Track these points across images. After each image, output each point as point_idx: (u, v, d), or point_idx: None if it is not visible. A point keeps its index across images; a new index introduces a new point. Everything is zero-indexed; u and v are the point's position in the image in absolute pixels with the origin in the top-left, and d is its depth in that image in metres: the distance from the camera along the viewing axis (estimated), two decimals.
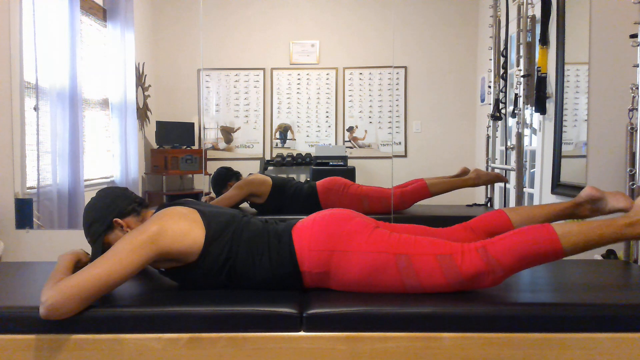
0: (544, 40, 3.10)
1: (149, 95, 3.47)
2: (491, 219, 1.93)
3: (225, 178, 3.33)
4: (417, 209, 3.18)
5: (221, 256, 1.66)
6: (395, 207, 3.06)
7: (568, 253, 1.59)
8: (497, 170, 3.39)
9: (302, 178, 3.53)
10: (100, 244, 1.70)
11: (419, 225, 1.90)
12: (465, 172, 3.33)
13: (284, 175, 3.51)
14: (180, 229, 1.63)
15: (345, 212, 1.77)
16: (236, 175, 3.34)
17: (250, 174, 3.39)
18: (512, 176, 3.19)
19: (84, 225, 1.74)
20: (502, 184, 3.37)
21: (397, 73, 3.51)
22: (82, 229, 1.77)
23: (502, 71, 3.31)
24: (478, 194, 3.45)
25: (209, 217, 1.70)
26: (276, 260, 1.67)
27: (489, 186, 3.43)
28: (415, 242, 1.65)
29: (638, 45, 2.27)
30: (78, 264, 1.71)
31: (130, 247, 1.55)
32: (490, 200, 3.45)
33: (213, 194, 3.34)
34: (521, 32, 3.11)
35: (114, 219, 1.70)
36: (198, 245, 1.65)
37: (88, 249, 1.76)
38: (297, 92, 3.56)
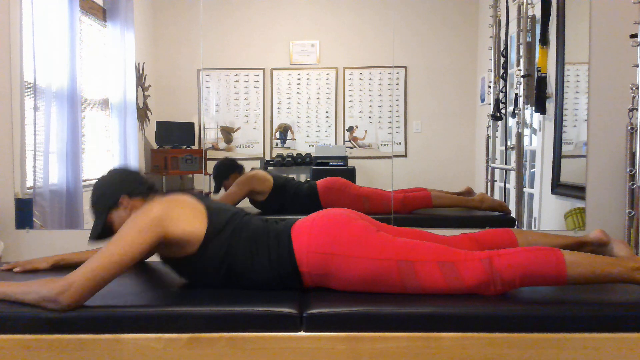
0: (544, 40, 3.10)
1: (149, 95, 3.47)
2: (499, 236, 1.90)
3: (228, 169, 3.32)
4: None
5: (220, 252, 1.66)
6: (396, 211, 3.07)
7: (570, 282, 1.58)
8: (497, 171, 3.39)
9: (302, 178, 3.53)
10: (103, 220, 1.70)
11: (422, 230, 1.89)
12: (469, 191, 3.35)
13: (285, 175, 3.51)
14: (185, 215, 1.64)
15: (345, 212, 1.77)
16: (239, 168, 3.33)
17: (252, 168, 3.39)
18: (512, 176, 3.19)
19: (91, 197, 1.75)
20: (502, 184, 3.37)
21: (397, 73, 3.51)
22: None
23: (502, 71, 3.31)
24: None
25: (213, 211, 1.70)
26: (275, 260, 1.67)
27: (488, 186, 3.43)
28: (417, 248, 1.65)
29: (638, 45, 2.27)
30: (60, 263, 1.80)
31: (137, 229, 1.55)
32: None
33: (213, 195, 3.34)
34: (521, 32, 3.11)
35: (122, 197, 1.70)
36: (198, 236, 1.64)
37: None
38: (297, 92, 3.56)
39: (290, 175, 3.52)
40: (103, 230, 1.72)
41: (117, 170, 1.80)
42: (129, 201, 1.71)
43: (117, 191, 1.71)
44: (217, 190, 3.30)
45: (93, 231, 1.72)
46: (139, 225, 1.56)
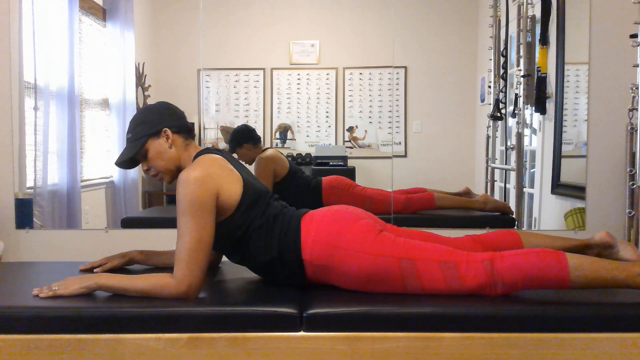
0: (544, 40, 3.10)
1: (149, 95, 3.47)
2: (503, 238, 1.88)
3: (244, 137, 3.31)
4: None
5: (244, 225, 1.69)
6: (398, 211, 3.07)
7: (573, 286, 1.57)
8: (497, 171, 3.39)
9: None
10: (140, 145, 1.72)
11: (426, 232, 1.89)
12: (467, 191, 3.35)
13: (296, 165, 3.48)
14: (227, 177, 1.67)
15: (354, 210, 1.78)
16: (255, 140, 3.32)
17: (268, 147, 3.37)
18: (512, 176, 3.19)
19: (133, 121, 1.76)
20: (502, 184, 3.37)
21: (397, 73, 3.51)
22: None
23: (502, 71, 3.31)
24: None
25: (248, 183, 1.73)
26: (283, 244, 1.69)
27: (488, 185, 3.43)
28: (420, 248, 1.65)
29: (638, 45, 2.27)
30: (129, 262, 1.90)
31: (195, 201, 1.58)
32: None
33: None
34: (521, 32, 3.11)
35: (165, 128, 1.72)
36: (234, 203, 1.67)
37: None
38: (297, 92, 3.56)
39: None
40: (133, 157, 1.74)
41: (163, 103, 1.82)
42: (170, 134, 1.72)
43: (160, 122, 1.73)
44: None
45: (124, 155, 1.74)
46: (195, 193, 1.58)
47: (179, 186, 1.61)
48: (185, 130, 1.78)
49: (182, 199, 1.59)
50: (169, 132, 1.72)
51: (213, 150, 1.80)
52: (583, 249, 1.88)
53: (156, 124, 1.73)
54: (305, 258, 1.68)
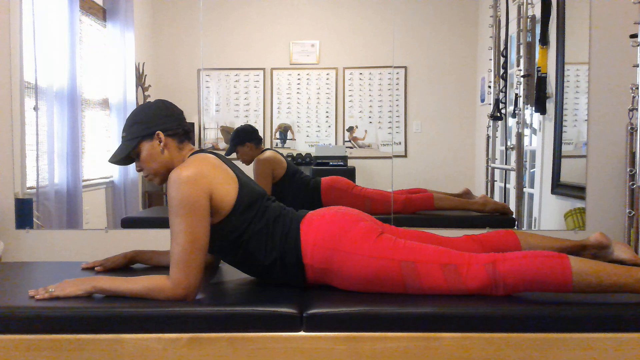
0: (544, 40, 3.10)
1: (149, 95, 3.47)
2: (502, 238, 1.89)
3: (246, 136, 3.29)
4: None
5: (240, 228, 1.68)
6: (398, 211, 3.07)
7: (576, 291, 1.56)
8: (497, 171, 3.39)
9: None
10: (133, 145, 1.71)
11: (426, 232, 1.89)
12: (467, 192, 3.35)
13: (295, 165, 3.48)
14: (220, 178, 1.66)
15: (353, 212, 1.78)
16: (257, 140, 3.31)
17: (267, 148, 3.38)
18: (512, 176, 3.19)
19: (127, 121, 1.75)
20: (502, 184, 3.37)
21: (397, 73, 3.51)
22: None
23: (502, 71, 3.31)
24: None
25: (243, 184, 1.72)
26: (283, 247, 1.69)
27: (488, 186, 3.43)
28: (420, 250, 1.65)
29: (638, 45, 2.27)
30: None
31: (187, 200, 1.57)
32: None
33: None
34: (521, 32, 3.11)
35: (158, 131, 1.70)
36: (228, 204, 1.66)
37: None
38: (297, 92, 3.56)
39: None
40: (127, 157, 1.73)
41: (161, 102, 1.79)
42: (163, 138, 1.70)
43: (155, 124, 1.70)
44: (229, 153, 3.27)
45: (117, 154, 1.73)
46: (187, 196, 1.57)
47: (169, 186, 1.60)
48: (180, 133, 1.74)
49: (173, 198, 1.57)
50: (161, 135, 1.70)
51: (207, 150, 1.79)
52: (579, 250, 1.88)
53: (150, 125, 1.70)
54: (306, 262, 1.68)
